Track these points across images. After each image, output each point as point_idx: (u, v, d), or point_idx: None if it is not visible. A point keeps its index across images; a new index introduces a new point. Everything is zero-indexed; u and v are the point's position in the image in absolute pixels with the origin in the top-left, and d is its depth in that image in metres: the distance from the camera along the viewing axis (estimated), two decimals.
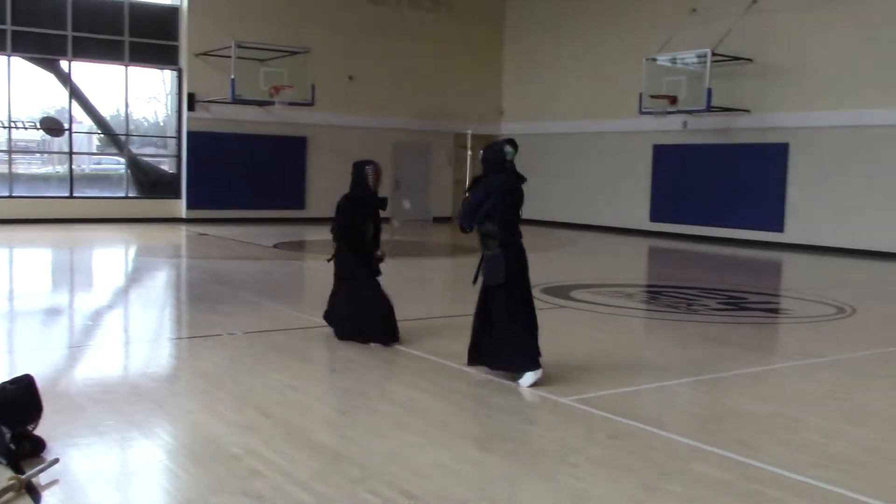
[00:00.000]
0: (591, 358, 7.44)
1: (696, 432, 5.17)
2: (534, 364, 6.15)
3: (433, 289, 11.64)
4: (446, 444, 4.88)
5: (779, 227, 19.06)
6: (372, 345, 7.26)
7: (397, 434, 5.06)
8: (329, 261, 7.64)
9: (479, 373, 6.36)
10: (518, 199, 6.38)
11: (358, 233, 7.45)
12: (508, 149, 6.26)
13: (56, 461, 4.24)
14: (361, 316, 7.36)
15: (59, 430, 4.84)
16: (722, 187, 20.01)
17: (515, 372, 6.17)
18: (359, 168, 7.56)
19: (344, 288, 7.51)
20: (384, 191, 7.91)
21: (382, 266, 7.62)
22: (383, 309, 7.38)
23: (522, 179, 6.39)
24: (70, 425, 4.99)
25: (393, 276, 7.57)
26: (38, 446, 4.40)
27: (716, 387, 6.36)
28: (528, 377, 6.09)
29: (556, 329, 8.50)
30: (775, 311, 10.23)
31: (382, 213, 7.66)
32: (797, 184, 18.73)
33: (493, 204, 6.13)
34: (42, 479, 4.10)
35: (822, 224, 18.26)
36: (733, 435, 5.14)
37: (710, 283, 12.69)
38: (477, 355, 6.44)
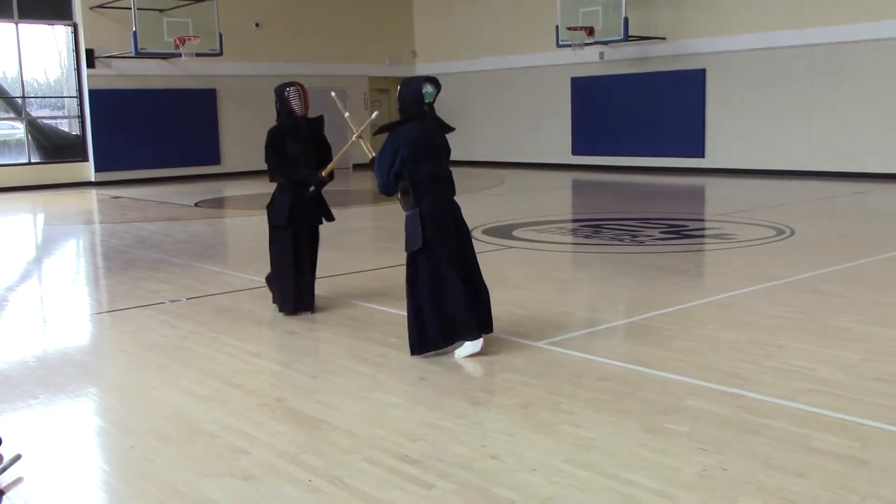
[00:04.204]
0: (553, 298, 7.30)
1: (681, 367, 5.06)
2: (472, 333, 5.33)
3: (366, 239, 11.34)
4: (431, 401, 4.65)
5: (699, 152, 19.29)
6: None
7: (378, 395, 4.81)
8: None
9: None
10: (437, 150, 5.30)
11: (292, 168, 6.48)
12: (428, 89, 5.22)
13: (18, 457, 3.85)
14: (283, 280, 6.57)
15: (8, 421, 4.44)
16: (641, 116, 20.08)
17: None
18: (280, 93, 6.46)
19: (274, 240, 6.66)
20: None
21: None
22: (302, 273, 6.55)
23: (446, 129, 5.37)
24: (18, 415, 4.59)
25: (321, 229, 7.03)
26: None
27: (686, 318, 6.28)
28: (467, 347, 5.37)
29: (509, 271, 8.33)
30: (718, 236, 10.27)
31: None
32: (715, 108, 18.92)
33: (405, 160, 5.16)
34: (3, 479, 3.73)
35: (741, 147, 18.54)
36: (719, 366, 5.06)
37: (646, 212, 12.69)
38: (425, 340, 5.38)
